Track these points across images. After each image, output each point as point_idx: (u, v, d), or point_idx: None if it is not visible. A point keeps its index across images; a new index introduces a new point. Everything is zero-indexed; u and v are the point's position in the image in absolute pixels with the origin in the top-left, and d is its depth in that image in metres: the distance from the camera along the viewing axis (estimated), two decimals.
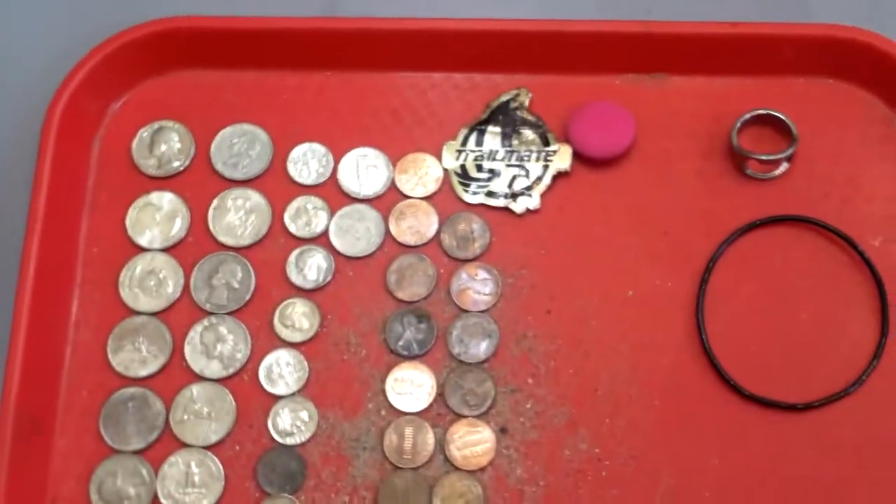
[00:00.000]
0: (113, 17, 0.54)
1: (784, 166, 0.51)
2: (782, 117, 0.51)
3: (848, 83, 0.53)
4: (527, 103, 0.53)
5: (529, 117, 0.53)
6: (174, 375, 0.50)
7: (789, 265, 0.50)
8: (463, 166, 0.52)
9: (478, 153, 0.52)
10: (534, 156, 0.52)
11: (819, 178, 0.51)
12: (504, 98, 0.53)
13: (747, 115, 0.51)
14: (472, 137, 0.53)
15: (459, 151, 0.52)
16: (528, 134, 0.52)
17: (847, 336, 0.49)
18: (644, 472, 0.48)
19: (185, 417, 0.49)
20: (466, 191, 0.52)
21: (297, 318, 0.50)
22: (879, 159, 0.52)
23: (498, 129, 0.53)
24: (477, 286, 0.50)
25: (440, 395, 0.49)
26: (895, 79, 0.51)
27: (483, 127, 0.53)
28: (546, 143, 0.52)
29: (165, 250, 0.52)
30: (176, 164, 0.53)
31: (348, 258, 0.51)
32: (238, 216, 0.52)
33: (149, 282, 0.51)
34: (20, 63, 0.55)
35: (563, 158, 0.52)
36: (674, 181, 0.52)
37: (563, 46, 0.53)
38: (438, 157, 0.53)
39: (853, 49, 0.51)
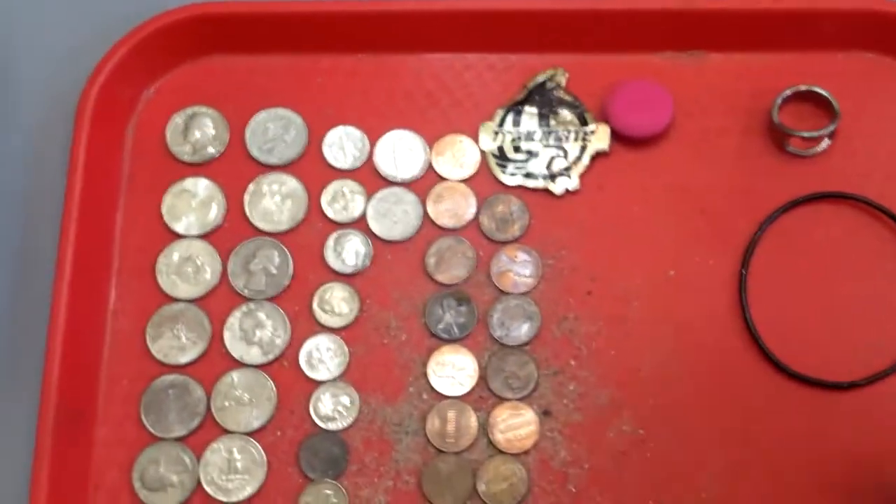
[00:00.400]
0: (144, 3, 0.53)
1: (825, 143, 0.51)
2: (824, 93, 0.51)
3: (890, 57, 0.52)
4: (563, 83, 0.52)
5: (566, 97, 0.52)
6: (214, 362, 0.50)
7: (832, 243, 0.50)
8: (500, 147, 0.52)
9: (515, 134, 0.52)
10: (572, 136, 0.51)
11: (861, 155, 0.51)
12: (540, 78, 0.53)
13: (788, 92, 0.51)
14: (509, 118, 0.52)
15: (496, 132, 0.52)
16: (566, 114, 0.52)
17: (892, 313, 0.49)
18: (689, 453, 0.47)
19: (227, 404, 0.49)
20: (504, 172, 0.51)
21: (337, 302, 0.50)
22: None
23: (535, 110, 0.52)
24: (517, 268, 0.50)
25: (482, 379, 0.49)
26: None
27: (520, 107, 0.52)
28: (584, 122, 0.52)
29: (202, 237, 0.51)
30: (211, 150, 0.53)
31: (386, 242, 0.51)
32: (274, 201, 0.52)
33: (186, 268, 0.51)
34: (51, 51, 0.55)
35: (601, 138, 0.51)
36: (713, 159, 0.51)
37: (598, 25, 0.52)
38: (475, 138, 0.52)
39: (894, 22, 0.51)
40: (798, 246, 0.50)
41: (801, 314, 0.49)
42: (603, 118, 0.51)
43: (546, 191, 0.51)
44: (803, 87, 0.51)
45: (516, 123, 0.52)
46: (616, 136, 0.51)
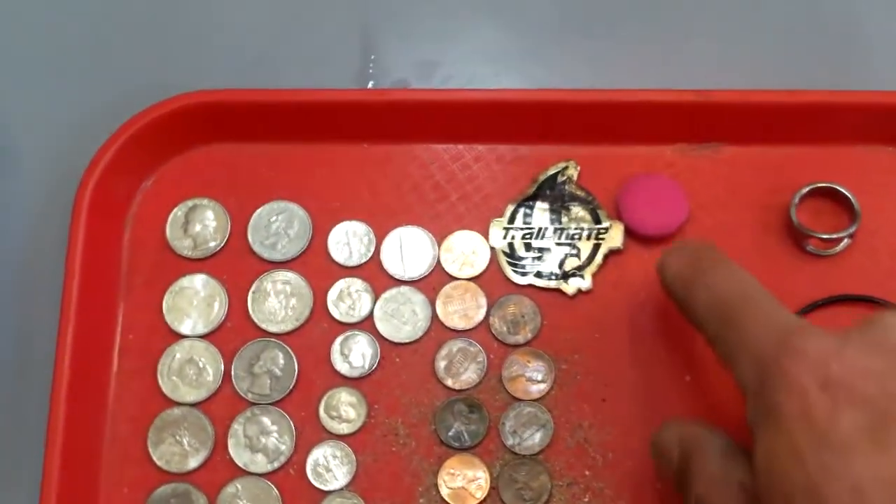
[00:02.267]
0: (139, 93, 0.51)
1: (846, 242, 0.49)
2: (843, 191, 0.49)
3: None
4: (575, 177, 0.51)
5: (578, 192, 0.51)
6: (217, 470, 0.48)
7: None
8: (511, 244, 0.50)
9: (526, 231, 0.50)
10: (584, 234, 0.50)
11: (883, 254, 0.50)
12: (551, 171, 0.51)
13: (805, 189, 0.49)
14: (520, 214, 0.51)
15: (507, 229, 0.51)
16: (578, 210, 0.50)
17: None
18: None
19: None
20: (515, 271, 0.50)
21: (344, 408, 0.49)
22: None
23: (546, 206, 0.51)
24: (529, 373, 0.49)
25: (494, 489, 0.48)
26: None
27: (531, 202, 0.51)
28: (597, 219, 0.50)
29: (204, 337, 0.50)
30: (212, 244, 0.51)
31: (394, 344, 0.50)
32: (278, 300, 0.50)
33: (188, 370, 0.49)
34: (45, 147, 0.53)
35: (614, 237, 0.50)
36: (731, 257, 0.50)
37: (611, 117, 0.51)
38: (485, 233, 0.51)
39: None
40: None
41: None
42: (616, 214, 0.50)
43: (558, 290, 0.50)
44: (823, 184, 0.49)
45: (527, 220, 0.51)
46: (630, 232, 0.50)
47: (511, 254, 0.50)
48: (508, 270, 0.50)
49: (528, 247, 0.50)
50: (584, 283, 0.49)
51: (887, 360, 0.35)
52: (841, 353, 0.35)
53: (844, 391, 0.34)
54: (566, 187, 0.51)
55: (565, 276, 0.50)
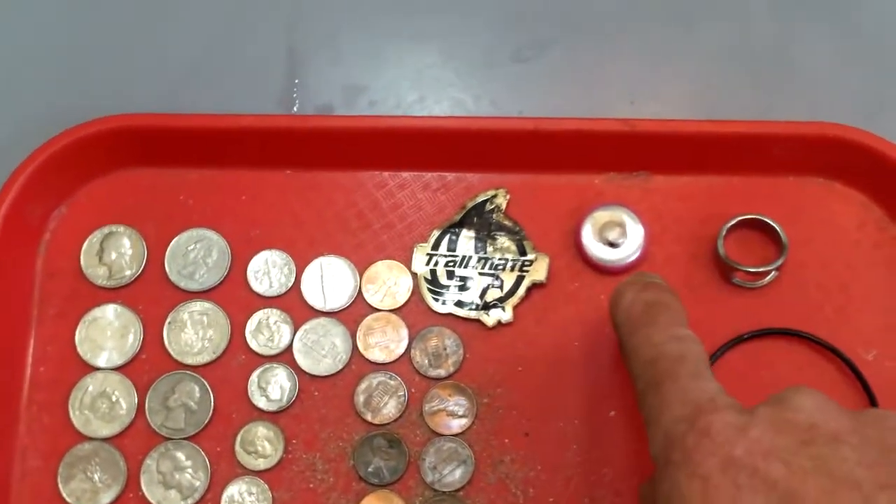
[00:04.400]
0: (57, 115, 0.50)
1: (773, 274, 0.48)
2: (771, 222, 0.48)
3: (841, 184, 0.50)
4: (504, 206, 0.50)
5: (506, 222, 0.50)
6: None
7: (778, 381, 0.48)
8: (433, 272, 0.49)
9: (450, 258, 0.49)
10: (508, 265, 0.49)
11: (810, 287, 0.49)
12: (480, 198, 0.50)
13: (733, 221, 0.49)
14: (445, 240, 0.50)
15: (430, 255, 0.49)
16: (504, 240, 0.49)
17: None
18: None
19: None
20: (436, 300, 0.49)
21: (260, 442, 0.47)
22: (874, 266, 0.49)
23: (472, 233, 0.50)
24: (451, 407, 0.48)
25: None
26: (891, 180, 0.48)
27: (457, 229, 0.50)
28: (522, 251, 0.49)
29: (118, 369, 0.48)
30: (128, 273, 0.50)
31: (313, 377, 0.48)
32: (195, 331, 0.49)
33: (100, 404, 0.48)
34: None
35: (539, 270, 0.49)
36: None
37: (540, 145, 0.50)
38: (408, 263, 0.49)
39: (846, 148, 0.49)
40: (743, 384, 0.47)
41: None
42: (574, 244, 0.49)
43: (479, 322, 0.48)
44: (750, 216, 0.49)
45: (452, 247, 0.50)
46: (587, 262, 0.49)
47: (433, 281, 0.49)
48: (429, 298, 0.49)
49: (450, 275, 0.49)
50: (504, 315, 0.48)
51: (795, 437, 0.33)
52: (746, 433, 0.34)
53: (747, 474, 0.33)
54: (494, 216, 0.50)
55: (486, 306, 0.49)
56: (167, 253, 0.50)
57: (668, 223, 0.50)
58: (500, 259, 0.49)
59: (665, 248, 0.50)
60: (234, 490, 0.47)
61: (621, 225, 0.49)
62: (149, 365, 0.49)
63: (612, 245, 0.49)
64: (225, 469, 0.47)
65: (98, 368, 0.49)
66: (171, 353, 0.49)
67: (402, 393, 0.48)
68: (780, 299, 0.49)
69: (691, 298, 0.49)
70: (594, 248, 0.49)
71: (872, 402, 0.47)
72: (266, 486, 0.47)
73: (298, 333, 0.49)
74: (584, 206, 0.50)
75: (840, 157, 0.49)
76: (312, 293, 0.49)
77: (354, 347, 0.48)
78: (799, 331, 0.48)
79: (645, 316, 0.40)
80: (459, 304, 0.49)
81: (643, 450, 0.45)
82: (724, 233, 0.48)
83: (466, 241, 0.50)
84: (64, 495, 0.47)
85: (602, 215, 0.49)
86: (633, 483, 0.46)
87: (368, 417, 0.48)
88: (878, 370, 0.47)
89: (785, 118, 0.49)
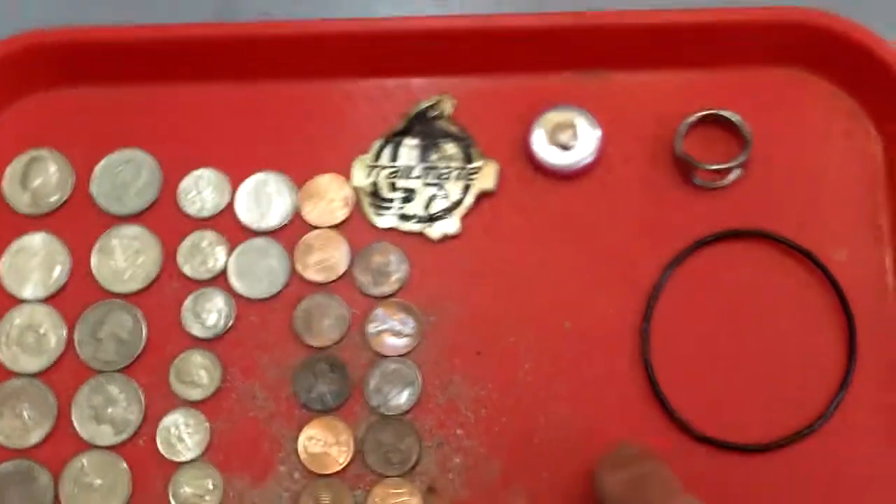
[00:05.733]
0: None
1: (736, 173, 0.45)
2: (731, 117, 0.45)
3: (808, 73, 0.47)
4: (449, 111, 0.47)
5: (452, 128, 0.46)
6: (61, 444, 0.45)
7: (743, 286, 0.45)
8: (375, 184, 0.46)
9: (392, 169, 0.46)
10: (454, 174, 0.46)
11: (777, 184, 0.46)
12: (424, 105, 0.47)
13: (692, 118, 0.45)
14: (387, 151, 0.47)
15: (371, 167, 0.46)
16: (450, 148, 0.46)
17: (810, 364, 0.44)
18: None
19: (76, 491, 0.44)
20: (378, 214, 0.46)
21: (196, 371, 0.45)
22: (844, 159, 0.46)
23: (416, 142, 0.46)
24: (396, 326, 0.45)
25: (359, 453, 0.44)
26: (861, 66, 0.45)
27: (399, 139, 0.47)
28: (469, 158, 0.46)
29: (45, 301, 0.46)
30: (53, 199, 0.47)
31: (250, 300, 0.46)
32: (125, 257, 0.46)
33: (28, 338, 0.45)
34: None
35: (487, 177, 0.46)
36: (615, 193, 0.46)
37: (489, 45, 0.47)
38: (348, 176, 0.46)
39: (813, 34, 0.46)
40: (706, 291, 0.45)
41: (711, 368, 0.44)
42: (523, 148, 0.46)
43: (424, 236, 0.45)
44: (709, 112, 0.45)
45: (394, 157, 0.46)
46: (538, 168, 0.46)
47: (375, 194, 0.46)
48: (371, 213, 0.46)
49: (392, 186, 0.46)
50: (450, 226, 0.45)
51: None
52: None
53: None
54: (439, 123, 0.47)
55: (431, 218, 0.46)
56: (94, 175, 0.47)
57: (625, 123, 0.47)
58: (445, 167, 0.46)
59: (622, 148, 0.46)
60: (170, 422, 0.45)
61: (573, 126, 0.46)
62: (77, 295, 0.46)
63: (565, 148, 0.45)
64: (159, 401, 0.45)
65: (24, 300, 0.46)
66: (101, 281, 0.46)
67: (343, 314, 0.45)
68: (745, 199, 0.46)
69: (650, 201, 0.46)
70: (545, 152, 0.46)
71: (844, 304, 0.44)
72: (203, 416, 0.45)
73: (233, 255, 0.46)
74: (536, 109, 0.47)
75: (807, 43, 0.46)
76: (247, 212, 0.46)
77: (293, 268, 0.46)
78: (765, 231, 0.45)
79: (635, 494, 0.37)
80: (403, 217, 0.46)
81: (599, 362, 0.43)
82: (683, 130, 0.45)
83: (410, 150, 0.46)
84: None
85: (553, 117, 0.46)
86: (588, 397, 0.44)
87: (309, 341, 0.45)
88: (849, 269, 0.44)
89: (748, 4, 0.46)
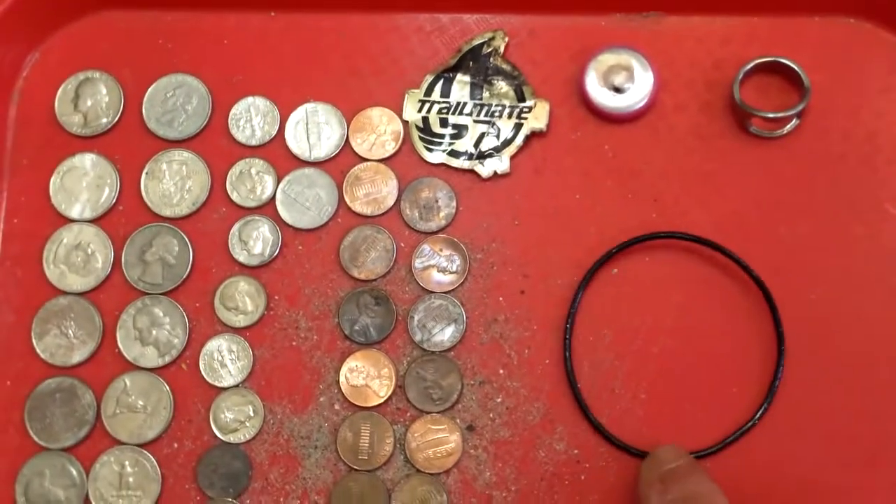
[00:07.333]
0: None
1: (794, 122, 0.45)
2: (792, 66, 0.44)
3: (869, 23, 0.46)
4: (502, 49, 0.46)
5: (504, 66, 0.46)
6: (105, 363, 0.45)
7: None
8: (426, 119, 0.46)
9: (443, 105, 0.46)
10: (506, 112, 0.45)
11: (834, 135, 0.45)
12: (477, 41, 0.46)
13: (750, 65, 0.45)
14: (438, 86, 0.46)
15: (422, 102, 0.46)
16: (502, 85, 0.46)
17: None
18: (628, 475, 0.43)
19: (118, 411, 0.44)
20: (428, 148, 0.45)
21: (241, 298, 0.45)
22: None
23: (467, 79, 0.46)
24: (442, 263, 0.45)
25: (400, 388, 0.44)
26: None
27: (451, 74, 0.46)
28: (521, 97, 0.45)
29: (93, 221, 0.46)
30: (104, 120, 0.47)
31: (297, 230, 0.46)
32: (174, 182, 0.46)
33: (75, 257, 0.46)
34: None
35: (539, 117, 0.45)
36: (668, 139, 0.46)
37: None
38: (398, 111, 0.46)
39: None
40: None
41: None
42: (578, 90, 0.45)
43: (473, 172, 0.45)
44: (768, 59, 0.44)
45: (445, 93, 0.46)
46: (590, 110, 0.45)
47: (425, 129, 0.46)
48: (420, 147, 0.46)
49: (443, 122, 0.46)
50: (500, 165, 0.45)
51: None
52: None
53: None
54: (491, 59, 0.46)
55: (481, 156, 0.45)
56: (145, 100, 0.47)
57: (679, 68, 0.46)
58: (496, 105, 0.46)
59: (675, 95, 0.46)
60: (214, 347, 0.45)
61: (628, 69, 0.45)
62: (125, 217, 0.46)
63: (618, 91, 0.45)
64: (204, 325, 0.45)
65: (73, 220, 0.46)
66: (149, 204, 0.46)
67: (390, 247, 0.45)
68: (801, 149, 0.45)
69: (703, 150, 0.45)
70: (598, 93, 0.45)
71: (769, 300, 0.43)
72: (247, 343, 0.45)
73: (282, 184, 0.46)
74: (589, 50, 0.46)
75: None
76: (297, 142, 0.46)
77: (341, 199, 0.46)
78: (684, 234, 0.44)
79: None
80: (453, 153, 0.45)
81: (646, 310, 0.42)
82: (740, 76, 0.45)
83: (461, 86, 0.46)
84: (38, 351, 0.45)
85: (607, 58, 0.45)
86: (634, 346, 0.43)
87: (354, 273, 0.45)
88: None
89: None
